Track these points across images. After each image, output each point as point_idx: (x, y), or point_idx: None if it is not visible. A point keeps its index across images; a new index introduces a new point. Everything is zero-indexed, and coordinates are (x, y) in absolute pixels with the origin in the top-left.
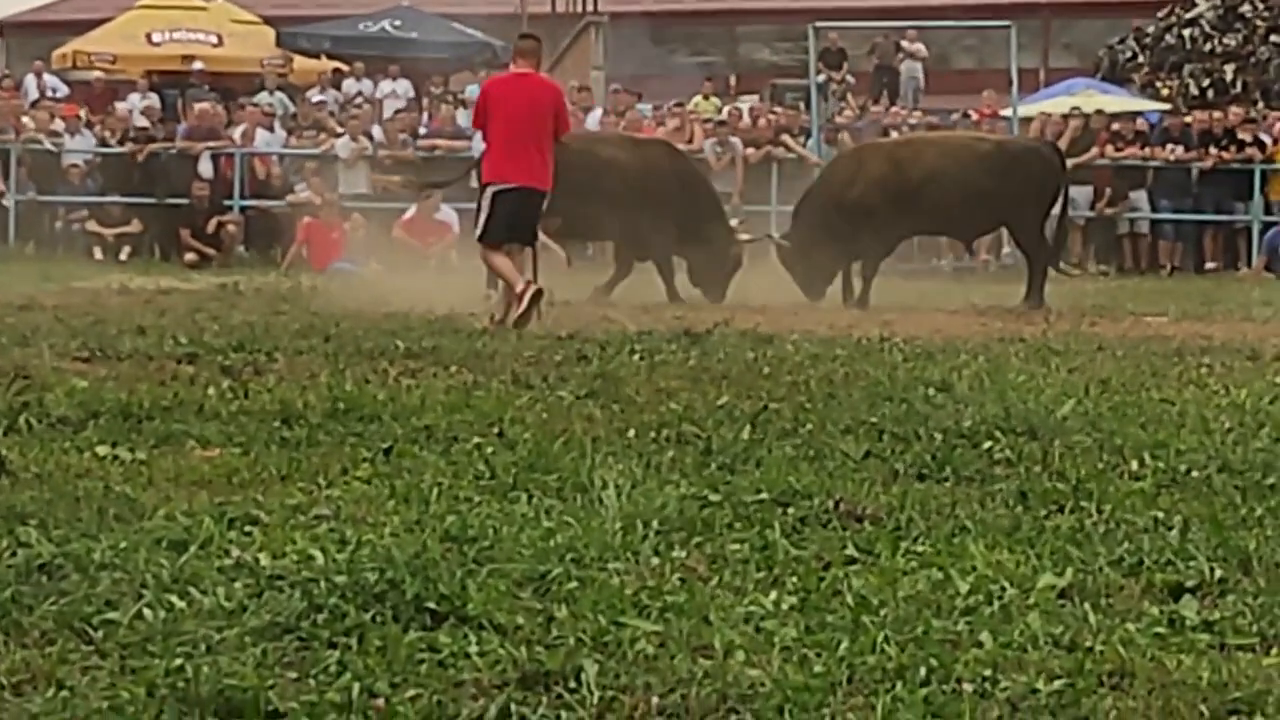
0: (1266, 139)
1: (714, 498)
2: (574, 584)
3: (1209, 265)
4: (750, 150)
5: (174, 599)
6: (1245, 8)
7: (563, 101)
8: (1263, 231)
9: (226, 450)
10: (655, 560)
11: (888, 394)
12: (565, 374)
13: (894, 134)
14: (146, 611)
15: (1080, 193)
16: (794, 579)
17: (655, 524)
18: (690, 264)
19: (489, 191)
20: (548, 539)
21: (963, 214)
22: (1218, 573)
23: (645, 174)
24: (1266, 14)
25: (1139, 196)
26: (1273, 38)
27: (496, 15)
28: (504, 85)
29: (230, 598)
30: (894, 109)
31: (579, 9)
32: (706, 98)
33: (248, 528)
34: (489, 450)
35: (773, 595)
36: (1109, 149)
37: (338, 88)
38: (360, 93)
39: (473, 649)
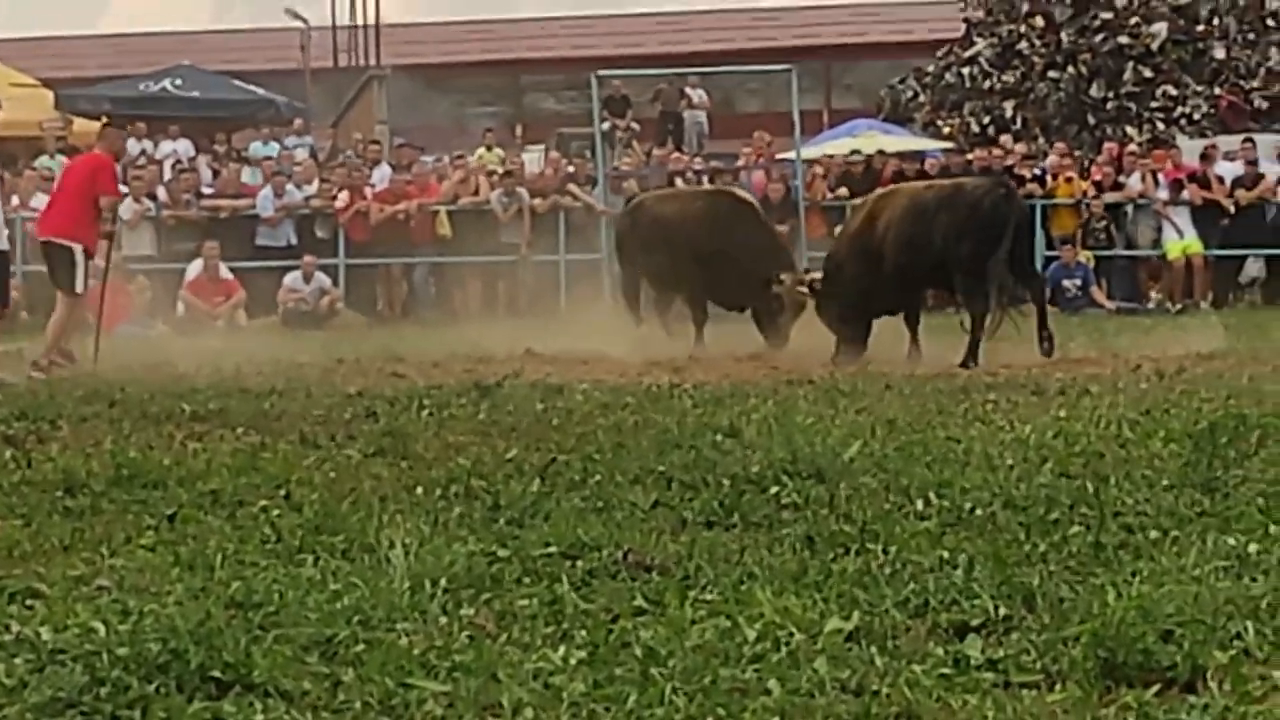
0: (1044, 174)
1: (502, 553)
2: (361, 646)
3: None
4: (537, 200)
5: None
6: (1023, 45)
7: (99, 170)
8: (1045, 266)
9: (8, 522)
10: (443, 619)
11: (676, 441)
12: (353, 432)
13: (679, 181)
14: None
15: None
16: (583, 633)
17: (443, 582)
18: (755, 313)
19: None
20: (334, 601)
21: (914, 263)
22: (1002, 610)
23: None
24: (1044, 50)
25: None
26: (1050, 74)
27: (279, 71)
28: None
29: (11, 674)
30: (677, 155)
31: (362, 63)
32: (490, 148)
33: (29, 601)
34: (275, 513)
35: (561, 650)
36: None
37: None
38: (144, 152)
39: (258, 717)
